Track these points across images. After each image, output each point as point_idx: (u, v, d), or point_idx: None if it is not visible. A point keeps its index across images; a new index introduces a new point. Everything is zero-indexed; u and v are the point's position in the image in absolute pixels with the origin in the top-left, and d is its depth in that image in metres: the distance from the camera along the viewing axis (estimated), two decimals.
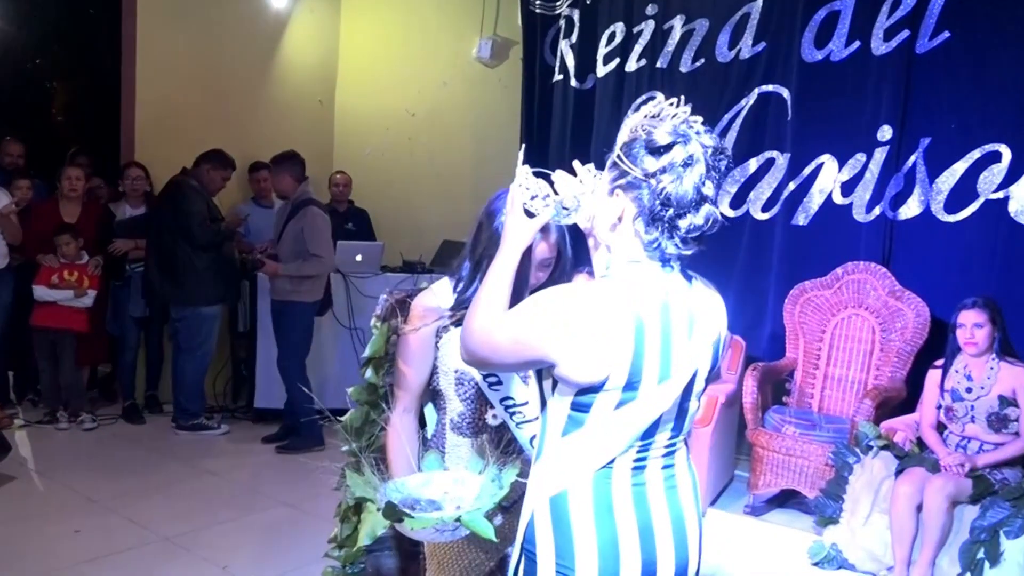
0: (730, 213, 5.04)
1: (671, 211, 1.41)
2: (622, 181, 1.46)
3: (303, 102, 6.73)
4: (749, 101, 5.00)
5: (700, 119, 1.47)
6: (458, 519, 1.61)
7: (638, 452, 1.47)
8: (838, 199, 4.66)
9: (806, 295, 4.65)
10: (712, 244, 4.94)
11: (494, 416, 1.87)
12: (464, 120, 6.82)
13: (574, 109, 5.79)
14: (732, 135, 5.04)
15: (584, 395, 1.43)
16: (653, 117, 1.47)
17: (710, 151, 1.43)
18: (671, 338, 1.44)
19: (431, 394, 1.96)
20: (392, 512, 1.59)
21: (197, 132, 5.80)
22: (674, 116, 1.46)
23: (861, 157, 4.59)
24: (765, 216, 4.95)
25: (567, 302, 1.41)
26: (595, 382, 1.40)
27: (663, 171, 1.41)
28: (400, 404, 1.92)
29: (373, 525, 1.62)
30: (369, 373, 1.96)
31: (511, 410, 1.84)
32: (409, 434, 1.92)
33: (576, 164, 1.66)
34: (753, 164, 4.99)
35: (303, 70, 6.74)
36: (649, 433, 1.46)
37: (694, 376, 1.49)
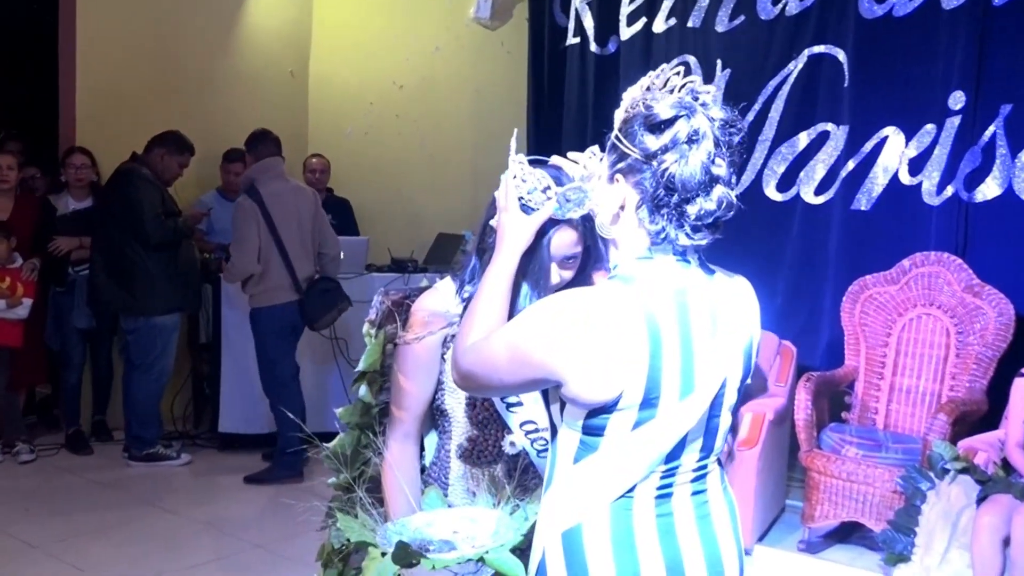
0: (777, 197, 5.05)
1: (676, 196, 1.42)
2: (622, 165, 1.48)
3: (271, 74, 6.74)
4: (798, 65, 5.01)
5: (712, 89, 1.49)
6: (481, 559, 1.61)
7: (662, 477, 1.48)
8: (905, 179, 4.67)
9: (868, 292, 4.65)
10: (757, 233, 4.91)
11: (512, 443, 1.87)
12: (461, 92, 6.84)
13: (595, 78, 5.80)
14: (778, 105, 5.05)
15: (596, 416, 1.44)
16: (659, 90, 1.50)
17: (718, 124, 1.44)
18: (692, 344, 1.45)
19: (434, 415, 1.95)
20: (405, 555, 1.59)
21: (149, 111, 5.81)
22: (681, 87, 1.48)
23: (931, 129, 4.59)
24: (819, 200, 4.95)
25: (569, 310, 1.42)
26: (606, 401, 1.42)
27: (665, 150, 1.43)
28: (399, 428, 1.92)
29: (379, 573, 1.62)
30: (362, 390, 1.95)
31: (532, 436, 1.84)
32: (409, 466, 1.91)
33: (572, 154, 1.67)
34: (804, 139, 5.00)
35: (271, 36, 6.75)
36: (674, 455, 1.48)
37: (723, 387, 1.51)
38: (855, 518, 4.18)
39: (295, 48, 6.93)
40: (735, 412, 1.58)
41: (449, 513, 1.76)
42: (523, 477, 1.84)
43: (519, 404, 1.82)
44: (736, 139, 1.46)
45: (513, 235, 1.62)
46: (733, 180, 1.46)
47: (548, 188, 1.63)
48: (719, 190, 1.43)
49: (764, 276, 5.01)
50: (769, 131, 5.08)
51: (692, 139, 1.42)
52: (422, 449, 1.98)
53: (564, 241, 1.73)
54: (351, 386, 1.96)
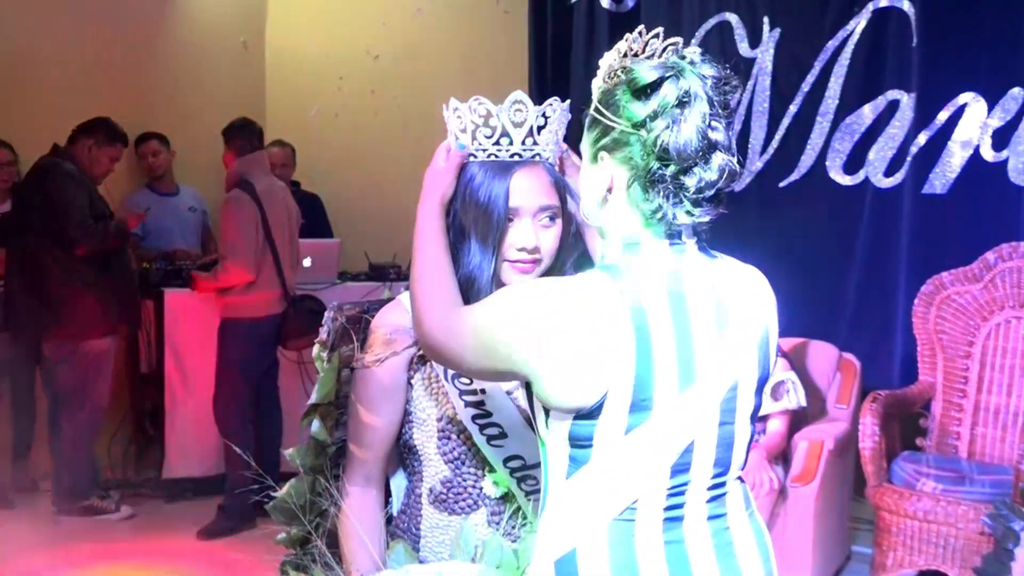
0: (845, 180, 5.07)
1: (672, 167, 1.48)
2: (605, 140, 1.56)
3: (220, 45, 6.77)
4: (860, 22, 5.02)
5: (698, 50, 1.55)
6: None
7: (669, 496, 1.52)
8: (987, 155, 4.68)
9: (944, 292, 4.64)
10: (822, 225, 4.95)
11: (495, 484, 1.88)
12: (450, 62, 6.84)
13: (608, 41, 5.80)
14: (839, 71, 5.07)
15: (581, 423, 1.49)
16: (635, 55, 1.57)
17: (710, 82, 1.50)
18: (691, 334, 1.51)
19: (401, 453, 1.97)
20: None
21: (73, 95, 5.84)
22: (663, 51, 1.56)
23: (1018, 94, 4.60)
24: (889, 182, 4.97)
25: (539, 295, 1.50)
26: (588, 405, 1.47)
27: (654, 116, 1.49)
28: (359, 470, 1.93)
29: None
30: (315, 426, 1.95)
31: (519, 474, 1.86)
32: (371, 516, 1.93)
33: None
34: (870, 111, 5.01)
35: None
36: (681, 467, 1.51)
37: (734, 388, 1.55)
38: (935, 566, 4.17)
39: (248, 14, 6.96)
40: (754, 421, 1.62)
41: (423, 570, 1.77)
42: (512, 521, 1.85)
43: (503, 435, 1.83)
44: (731, 98, 1.53)
45: (428, 178, 1.77)
46: (733, 145, 1.53)
47: (489, 115, 1.77)
48: (719, 157, 1.50)
49: (832, 278, 5.03)
50: (831, 102, 5.09)
51: (683, 102, 1.48)
52: (387, 495, 2.00)
53: (528, 185, 1.78)
54: (301, 421, 1.97)
